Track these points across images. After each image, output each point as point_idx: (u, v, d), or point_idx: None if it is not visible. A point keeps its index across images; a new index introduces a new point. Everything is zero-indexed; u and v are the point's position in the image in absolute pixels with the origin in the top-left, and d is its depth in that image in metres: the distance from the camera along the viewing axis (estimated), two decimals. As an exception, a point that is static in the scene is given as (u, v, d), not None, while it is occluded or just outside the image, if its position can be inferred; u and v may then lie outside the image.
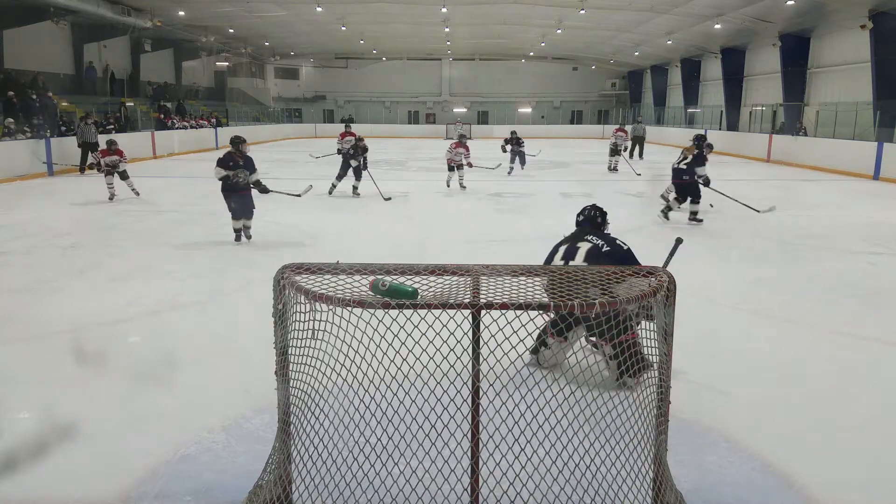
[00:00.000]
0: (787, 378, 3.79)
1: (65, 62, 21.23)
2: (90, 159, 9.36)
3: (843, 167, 15.65)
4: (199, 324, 4.71)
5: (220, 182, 6.99)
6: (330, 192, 11.41)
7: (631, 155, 19.17)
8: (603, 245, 3.58)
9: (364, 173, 11.57)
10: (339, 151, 14.47)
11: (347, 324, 1.99)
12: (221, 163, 6.93)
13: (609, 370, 3.32)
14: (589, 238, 3.65)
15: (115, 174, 10.47)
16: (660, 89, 33.92)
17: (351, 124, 16.84)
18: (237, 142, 7.05)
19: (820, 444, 2.99)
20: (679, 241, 3.98)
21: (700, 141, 8.93)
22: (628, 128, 19.74)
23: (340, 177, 11.50)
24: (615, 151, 16.59)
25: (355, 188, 11.55)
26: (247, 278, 5.82)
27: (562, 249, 3.70)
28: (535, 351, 3.61)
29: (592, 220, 3.87)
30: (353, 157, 11.34)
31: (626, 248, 3.60)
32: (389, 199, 10.51)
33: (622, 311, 3.21)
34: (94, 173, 14.12)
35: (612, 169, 16.59)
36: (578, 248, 3.62)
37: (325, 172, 14.50)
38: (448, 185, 12.37)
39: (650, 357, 3.04)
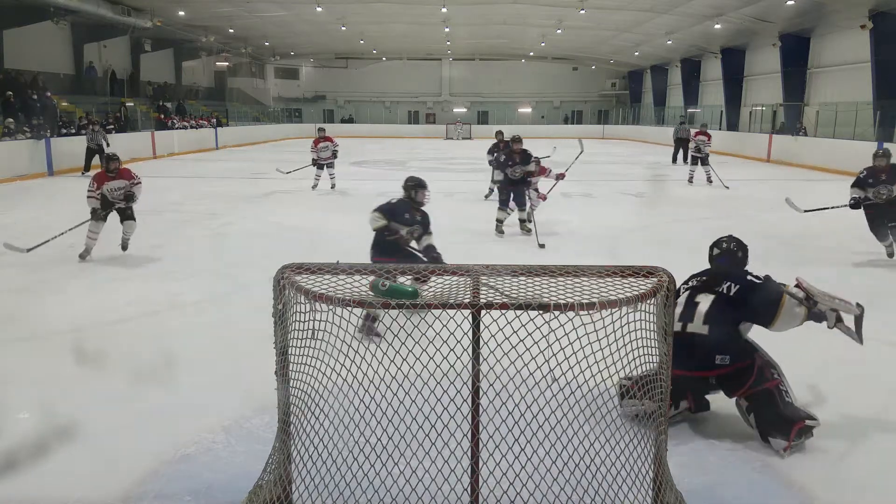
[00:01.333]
0: (787, 377, 3.79)
1: (65, 62, 21.23)
2: (90, 203, 6.43)
3: (843, 167, 15.64)
4: (198, 324, 4.71)
5: (375, 236, 4.60)
6: (500, 231, 8.06)
7: (674, 160, 17.90)
8: (731, 286, 3.03)
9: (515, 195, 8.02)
10: (314, 162, 11.98)
11: (347, 324, 1.99)
12: (389, 211, 4.54)
13: (750, 427, 2.98)
14: (718, 288, 3.06)
15: (120, 210, 6.59)
16: (660, 89, 33.92)
17: (325, 128, 12.69)
18: (415, 187, 4.72)
19: (820, 444, 2.99)
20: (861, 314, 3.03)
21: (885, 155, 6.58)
22: (692, 129, 16.89)
23: (505, 203, 8.11)
24: (699, 160, 13.25)
25: (523, 222, 8.09)
26: (247, 278, 5.82)
27: (682, 300, 3.09)
28: (623, 396, 2.97)
29: (732, 255, 3.26)
30: (509, 167, 7.82)
31: (759, 279, 3.05)
32: (543, 246, 7.33)
33: (757, 362, 2.96)
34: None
35: (708, 181, 13.09)
36: (698, 302, 3.04)
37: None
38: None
39: (805, 407, 2.87)
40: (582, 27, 25.47)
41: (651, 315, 2.14)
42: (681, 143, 17.82)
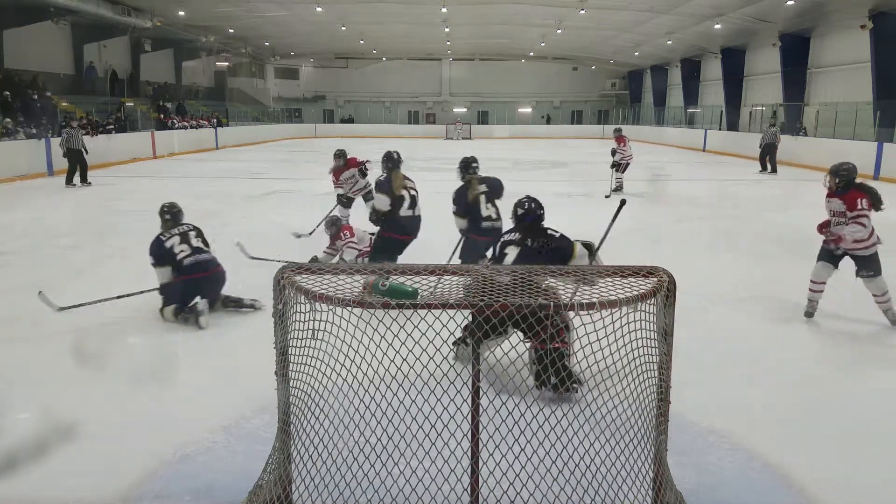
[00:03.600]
0: (787, 378, 3.79)
1: (65, 62, 21.23)
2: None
3: (842, 167, 15.63)
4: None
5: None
6: None
7: (763, 167, 16.12)
8: (534, 241, 3.59)
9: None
10: (343, 201, 7.71)
11: (347, 324, 1.99)
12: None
13: (530, 374, 3.07)
14: (526, 243, 3.61)
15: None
16: (660, 89, 33.93)
17: (345, 150, 7.89)
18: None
19: (820, 444, 2.99)
20: (622, 203, 3.98)
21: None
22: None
23: None
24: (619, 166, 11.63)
25: None
26: (247, 278, 5.81)
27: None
28: (456, 343, 3.43)
29: (534, 213, 3.75)
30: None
31: (556, 233, 3.64)
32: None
33: (563, 318, 3.13)
34: (80, 184, 12.51)
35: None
36: (506, 254, 3.60)
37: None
38: None
39: (578, 373, 3.04)
40: (582, 27, 25.47)
41: (651, 315, 2.14)
42: (769, 149, 16.18)
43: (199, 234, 4.93)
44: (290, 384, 2.25)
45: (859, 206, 4.36)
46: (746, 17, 20.32)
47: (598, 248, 3.67)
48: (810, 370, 3.96)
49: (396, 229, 5.13)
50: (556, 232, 3.65)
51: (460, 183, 5.28)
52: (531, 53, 35.71)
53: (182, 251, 4.70)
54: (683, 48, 27.86)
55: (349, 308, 1.95)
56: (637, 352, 2.15)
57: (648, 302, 2.10)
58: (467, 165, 5.30)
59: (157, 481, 2.65)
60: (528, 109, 37.93)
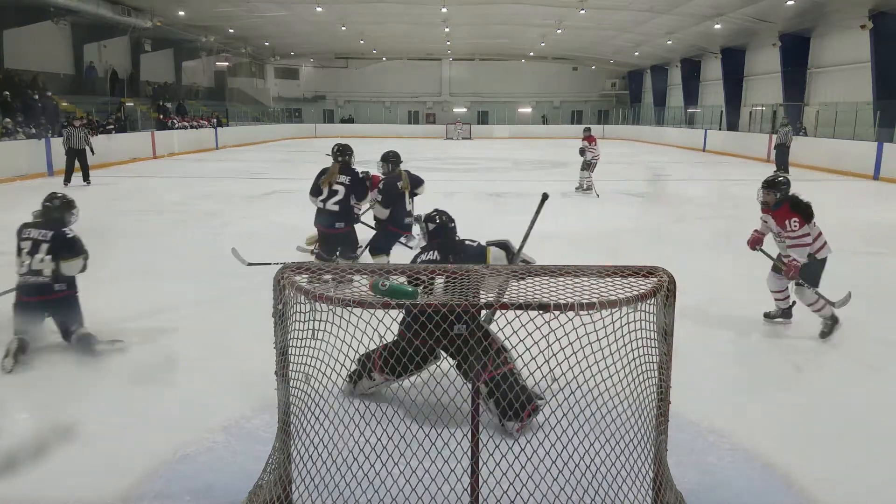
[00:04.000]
0: (787, 378, 3.79)
1: (65, 62, 21.23)
2: None
3: (843, 167, 15.65)
4: (198, 324, 4.71)
5: None
6: None
7: (778, 167, 15.73)
8: (435, 253, 3.33)
9: None
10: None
11: (347, 324, 1.99)
12: None
13: (489, 412, 2.90)
14: (448, 259, 3.35)
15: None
16: (660, 89, 33.92)
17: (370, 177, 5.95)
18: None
19: (820, 444, 2.99)
20: (545, 197, 3.57)
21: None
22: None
23: None
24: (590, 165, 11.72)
25: None
26: (247, 278, 5.81)
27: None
28: (353, 378, 3.02)
29: (446, 227, 3.50)
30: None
31: (474, 242, 3.41)
32: None
33: (494, 340, 2.83)
34: (81, 183, 12.35)
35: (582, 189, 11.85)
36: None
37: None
38: None
39: (533, 388, 2.85)
40: (582, 27, 25.46)
41: (651, 315, 2.14)
42: (780, 150, 16.16)
43: (62, 246, 4.01)
44: (290, 384, 2.25)
45: (789, 228, 4.16)
46: (746, 17, 20.31)
47: (521, 247, 3.42)
48: (810, 370, 3.96)
49: (316, 219, 5.34)
50: (474, 242, 3.41)
51: (387, 177, 5.47)
52: (531, 53, 35.69)
53: (21, 263, 3.97)
54: (683, 48, 27.85)
55: (349, 308, 1.95)
56: (637, 352, 2.15)
57: (648, 302, 2.10)
58: (397, 158, 5.57)
59: (157, 481, 2.65)
60: (528, 109, 37.92)
